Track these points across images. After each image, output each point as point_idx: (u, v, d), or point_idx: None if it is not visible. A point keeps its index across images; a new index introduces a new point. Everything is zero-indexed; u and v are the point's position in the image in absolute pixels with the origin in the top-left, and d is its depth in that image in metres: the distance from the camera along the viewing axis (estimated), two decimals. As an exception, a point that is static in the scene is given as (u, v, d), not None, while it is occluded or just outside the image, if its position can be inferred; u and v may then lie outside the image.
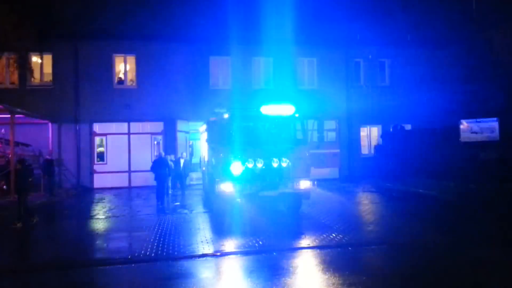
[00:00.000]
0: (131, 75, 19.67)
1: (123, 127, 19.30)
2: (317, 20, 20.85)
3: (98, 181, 18.87)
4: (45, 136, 17.90)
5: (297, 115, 10.87)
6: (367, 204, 13.34)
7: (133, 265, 7.23)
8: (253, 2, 19.65)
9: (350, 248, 7.87)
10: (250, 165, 10.09)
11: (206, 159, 14.18)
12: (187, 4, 20.11)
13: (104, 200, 15.08)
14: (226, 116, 10.55)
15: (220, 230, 9.56)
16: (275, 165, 10.17)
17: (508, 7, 18.75)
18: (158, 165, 13.33)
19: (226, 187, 10.10)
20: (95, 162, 19.10)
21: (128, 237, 9.61)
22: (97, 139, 19.26)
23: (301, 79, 21.00)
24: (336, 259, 7.23)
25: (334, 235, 8.77)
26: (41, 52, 18.87)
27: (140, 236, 9.22)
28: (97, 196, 16.37)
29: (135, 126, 19.52)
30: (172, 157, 16.50)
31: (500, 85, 17.98)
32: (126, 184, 19.10)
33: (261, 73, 20.69)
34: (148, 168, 13.99)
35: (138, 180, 18.91)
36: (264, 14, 19.19)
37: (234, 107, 11.07)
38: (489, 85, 18.33)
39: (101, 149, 19.37)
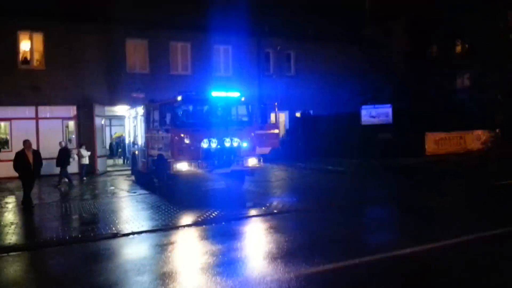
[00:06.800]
0: (38, 55, 18.10)
1: (30, 111, 17.76)
2: (231, 10, 21.71)
3: (2, 170, 17.08)
4: None
5: (243, 99, 11.80)
6: (291, 179, 14.99)
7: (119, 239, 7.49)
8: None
9: (286, 214, 9.20)
10: (205, 145, 10.73)
11: (141, 142, 14.21)
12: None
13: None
14: (179, 99, 10.91)
15: (177, 206, 10.07)
16: (227, 144, 10.98)
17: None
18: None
19: (182, 166, 10.59)
20: (-2, 149, 17.26)
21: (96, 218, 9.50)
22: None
23: (217, 67, 21.77)
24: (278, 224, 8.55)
25: (269, 205, 10.10)
26: None
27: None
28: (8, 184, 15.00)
29: (44, 111, 18.11)
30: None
31: (391, 77, 21.34)
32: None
33: (179, 58, 20.87)
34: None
35: (48, 168, 17.61)
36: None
37: (185, 91, 11.43)
38: (382, 77, 21.59)
39: (3, 135, 17.57)
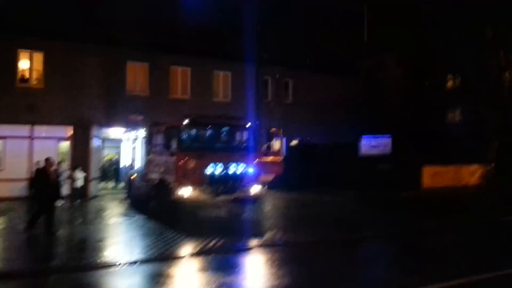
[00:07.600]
0: (37, 74, 17.87)
1: (25, 130, 17.39)
2: (232, 37, 21.99)
3: (-7, 190, 16.54)
4: None
5: (248, 125, 11.73)
6: (291, 208, 14.74)
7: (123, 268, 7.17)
8: (173, 13, 19.94)
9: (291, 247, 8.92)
10: (210, 171, 10.54)
11: (139, 165, 13.93)
12: (106, 4, 19.25)
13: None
14: (186, 123, 10.77)
15: (179, 233, 9.71)
16: (232, 171, 10.80)
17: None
18: None
19: (186, 192, 10.34)
20: (-12, 168, 16.75)
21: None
22: (-7, 143, 16.96)
23: (216, 92, 21.81)
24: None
25: (273, 235, 9.78)
26: None
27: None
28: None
29: (39, 130, 17.77)
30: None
31: (387, 108, 21.57)
32: (25, 193, 17.07)
33: (179, 82, 20.84)
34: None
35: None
36: (183, 25, 19.60)
37: (192, 115, 11.29)
38: (379, 107, 21.81)
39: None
